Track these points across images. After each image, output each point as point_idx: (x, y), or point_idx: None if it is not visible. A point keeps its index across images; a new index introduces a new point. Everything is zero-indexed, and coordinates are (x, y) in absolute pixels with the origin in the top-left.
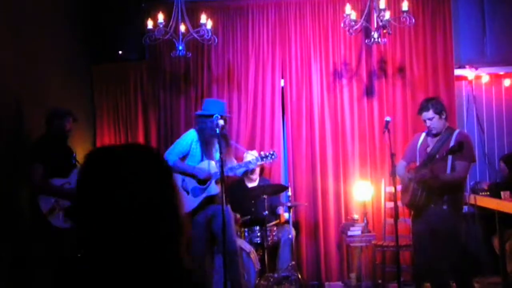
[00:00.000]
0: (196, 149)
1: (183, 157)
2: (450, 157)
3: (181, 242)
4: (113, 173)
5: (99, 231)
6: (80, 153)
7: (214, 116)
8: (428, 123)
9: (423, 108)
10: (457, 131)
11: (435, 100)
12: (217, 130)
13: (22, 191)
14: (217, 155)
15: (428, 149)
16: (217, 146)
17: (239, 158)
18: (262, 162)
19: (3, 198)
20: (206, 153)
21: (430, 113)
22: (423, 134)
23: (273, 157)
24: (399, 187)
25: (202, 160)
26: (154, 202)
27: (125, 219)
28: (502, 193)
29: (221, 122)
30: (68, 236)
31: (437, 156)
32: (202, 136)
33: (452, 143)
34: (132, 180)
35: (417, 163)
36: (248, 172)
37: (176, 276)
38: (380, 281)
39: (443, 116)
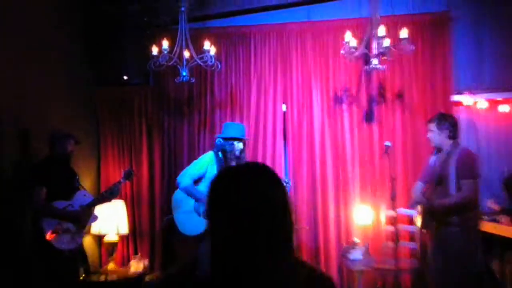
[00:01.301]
0: (212, 172)
1: (199, 179)
2: (453, 173)
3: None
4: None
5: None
6: (84, 176)
7: (233, 141)
8: (429, 134)
9: (431, 119)
10: (461, 148)
11: (445, 116)
12: (233, 154)
13: (26, 214)
14: None
15: (438, 169)
16: None
17: None
18: None
19: (6, 222)
20: None
21: (432, 126)
22: (434, 154)
23: (288, 185)
24: (401, 210)
25: None
26: (276, 207)
27: (254, 222)
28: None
29: (240, 145)
30: (70, 258)
31: (441, 174)
32: (220, 159)
33: (454, 162)
34: (256, 191)
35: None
36: None
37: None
38: None
39: (444, 133)
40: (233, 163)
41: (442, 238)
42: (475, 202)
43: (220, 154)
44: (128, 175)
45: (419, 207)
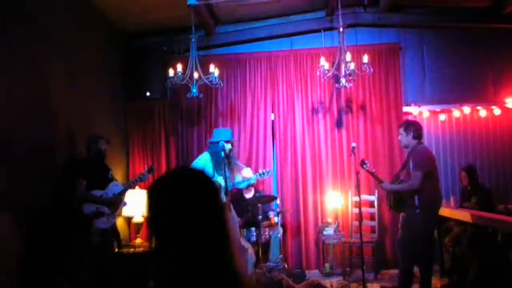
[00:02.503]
0: (209, 168)
1: None
2: (412, 168)
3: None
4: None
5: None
6: (116, 170)
7: (220, 143)
8: (399, 136)
9: (400, 124)
10: (419, 146)
11: (410, 122)
12: (222, 153)
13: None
14: (225, 172)
15: (406, 163)
16: (225, 165)
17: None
18: (261, 178)
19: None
20: (217, 171)
21: (401, 130)
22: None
23: (269, 173)
24: (363, 196)
25: (214, 176)
26: (206, 213)
27: (187, 228)
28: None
29: (228, 146)
30: (107, 235)
31: (405, 167)
32: (213, 158)
33: (412, 157)
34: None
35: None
36: (249, 186)
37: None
38: (348, 269)
39: (410, 135)
40: (223, 161)
41: (407, 218)
42: (431, 190)
43: (211, 154)
44: (150, 170)
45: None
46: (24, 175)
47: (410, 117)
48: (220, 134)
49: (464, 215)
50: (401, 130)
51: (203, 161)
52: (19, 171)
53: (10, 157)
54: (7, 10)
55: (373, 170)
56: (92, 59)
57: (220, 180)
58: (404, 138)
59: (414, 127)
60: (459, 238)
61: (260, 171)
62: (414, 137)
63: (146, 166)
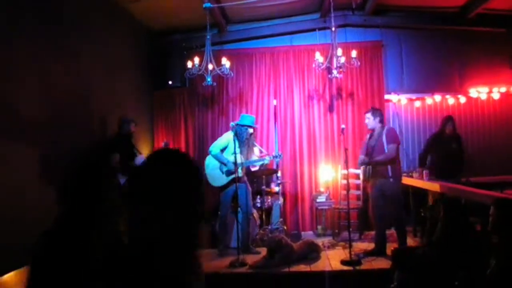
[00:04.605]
0: (232, 145)
1: (222, 150)
2: (385, 142)
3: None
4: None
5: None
6: (143, 146)
7: (245, 127)
8: (366, 120)
9: (367, 111)
10: (386, 127)
11: (376, 109)
12: (247, 136)
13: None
14: (244, 151)
15: (371, 142)
16: (245, 146)
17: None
18: (273, 160)
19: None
20: (239, 149)
21: (369, 115)
22: (368, 135)
23: (280, 156)
24: (351, 170)
25: (235, 153)
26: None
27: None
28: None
29: (250, 130)
30: None
31: (375, 145)
32: (237, 138)
33: (384, 135)
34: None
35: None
36: (262, 166)
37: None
38: (336, 231)
39: (377, 119)
40: (245, 142)
41: (381, 186)
42: (398, 160)
43: (236, 134)
44: (166, 145)
45: (362, 167)
46: (70, 150)
47: (390, 104)
48: (247, 119)
49: (434, 186)
50: (369, 115)
51: (226, 139)
52: (67, 146)
53: (62, 136)
54: (63, 19)
55: None
56: (124, 55)
57: (239, 157)
58: (372, 121)
59: (379, 113)
60: (432, 206)
61: (274, 153)
62: (380, 121)
63: (162, 142)
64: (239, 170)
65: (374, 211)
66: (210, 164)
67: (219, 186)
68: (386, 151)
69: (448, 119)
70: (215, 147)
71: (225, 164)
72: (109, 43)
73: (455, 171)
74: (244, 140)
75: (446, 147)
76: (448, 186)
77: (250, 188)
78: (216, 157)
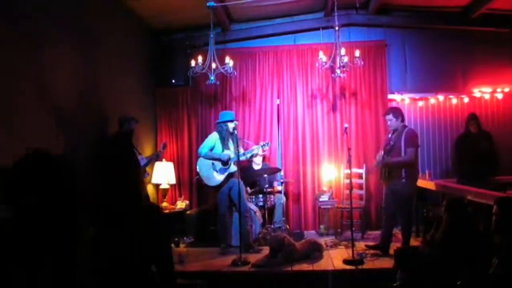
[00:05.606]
0: (218, 144)
1: (211, 149)
2: (403, 145)
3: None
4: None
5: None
6: (146, 144)
7: (224, 123)
8: (388, 122)
9: (387, 111)
10: (407, 128)
11: (396, 108)
12: (228, 131)
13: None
14: (232, 147)
15: (391, 142)
16: (231, 141)
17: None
18: (262, 148)
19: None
20: (224, 146)
21: (390, 116)
22: (390, 133)
23: (268, 145)
24: (354, 169)
25: (223, 151)
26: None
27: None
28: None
29: (231, 125)
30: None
31: (394, 144)
32: (221, 135)
33: (403, 137)
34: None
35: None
36: (254, 156)
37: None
38: (339, 230)
39: (399, 119)
40: (229, 137)
41: (394, 185)
42: (416, 163)
43: (219, 132)
44: (164, 147)
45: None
46: (70, 148)
47: (393, 103)
48: (226, 115)
49: (431, 185)
50: (390, 116)
51: (212, 139)
52: (68, 144)
53: (73, 129)
54: (65, 19)
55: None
56: (129, 53)
57: (229, 152)
58: (394, 122)
59: (400, 112)
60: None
61: (261, 143)
62: (401, 121)
63: (160, 144)
64: (232, 165)
65: (385, 209)
66: (203, 166)
67: (215, 185)
68: (403, 153)
69: (471, 117)
70: (203, 147)
71: (218, 159)
72: (113, 41)
73: (487, 172)
74: (225, 135)
75: (474, 147)
76: (442, 184)
77: (243, 186)
78: (207, 156)
